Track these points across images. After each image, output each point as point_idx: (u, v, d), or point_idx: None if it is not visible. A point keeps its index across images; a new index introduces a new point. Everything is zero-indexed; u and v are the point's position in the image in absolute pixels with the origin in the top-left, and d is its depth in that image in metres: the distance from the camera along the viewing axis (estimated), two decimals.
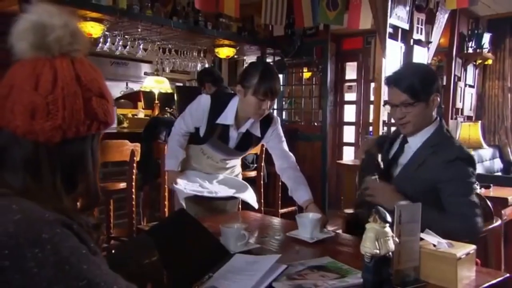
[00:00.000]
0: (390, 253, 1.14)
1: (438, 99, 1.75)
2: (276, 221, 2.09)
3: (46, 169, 0.81)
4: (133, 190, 3.08)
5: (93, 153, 0.89)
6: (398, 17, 3.64)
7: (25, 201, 0.75)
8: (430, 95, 1.72)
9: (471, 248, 1.28)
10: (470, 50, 5.44)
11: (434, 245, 1.26)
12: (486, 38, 5.42)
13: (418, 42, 3.97)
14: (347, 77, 6.17)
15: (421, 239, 1.27)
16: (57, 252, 0.70)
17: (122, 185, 3.09)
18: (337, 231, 2.00)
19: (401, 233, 1.20)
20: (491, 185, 3.23)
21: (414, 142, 1.78)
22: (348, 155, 6.16)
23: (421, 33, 3.98)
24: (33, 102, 0.79)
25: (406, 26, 3.80)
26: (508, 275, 1.32)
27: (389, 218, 1.14)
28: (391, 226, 1.16)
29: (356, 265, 1.29)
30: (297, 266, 1.33)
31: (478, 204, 1.64)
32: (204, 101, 2.14)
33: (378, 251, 1.10)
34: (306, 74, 5.56)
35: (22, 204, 0.74)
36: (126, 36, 4.27)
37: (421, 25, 3.95)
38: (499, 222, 2.14)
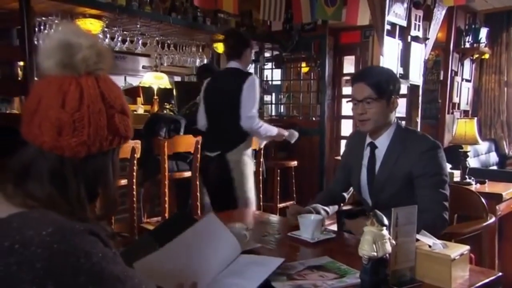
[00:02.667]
0: (387, 254, 1.18)
1: (398, 101, 1.90)
2: (276, 219, 2.13)
3: (71, 182, 0.84)
4: (134, 186, 3.12)
5: (113, 166, 0.92)
6: (396, 14, 3.66)
7: (53, 213, 0.78)
8: (391, 94, 1.86)
9: (465, 248, 1.32)
10: (467, 45, 5.46)
11: (430, 246, 1.30)
12: (483, 32, 5.44)
13: (415, 38, 3.98)
14: (345, 71, 6.18)
15: (417, 240, 1.31)
16: (89, 259, 0.74)
17: (123, 181, 3.12)
18: (332, 226, 2.06)
19: (398, 234, 1.24)
20: (486, 180, 3.26)
21: (382, 144, 1.90)
22: None
23: (418, 30, 3.99)
24: (60, 119, 0.82)
25: (403, 23, 3.81)
26: (500, 274, 1.35)
27: (386, 222, 1.18)
28: (388, 228, 1.20)
29: (354, 265, 1.33)
30: (297, 266, 1.37)
31: (447, 196, 1.78)
32: (257, 79, 2.93)
33: (375, 254, 1.14)
34: (304, 69, 5.57)
35: (51, 216, 0.77)
36: (125, 32, 4.28)
37: (419, 21, 3.96)
38: (493, 219, 2.18)
